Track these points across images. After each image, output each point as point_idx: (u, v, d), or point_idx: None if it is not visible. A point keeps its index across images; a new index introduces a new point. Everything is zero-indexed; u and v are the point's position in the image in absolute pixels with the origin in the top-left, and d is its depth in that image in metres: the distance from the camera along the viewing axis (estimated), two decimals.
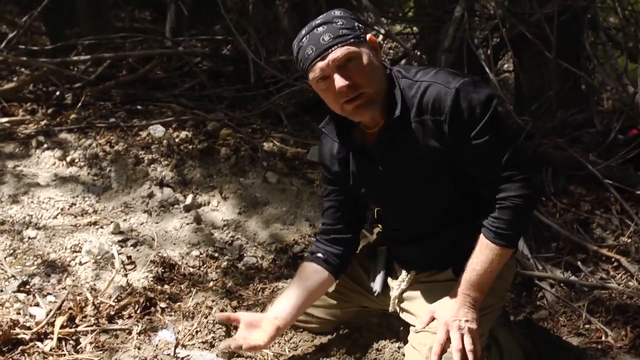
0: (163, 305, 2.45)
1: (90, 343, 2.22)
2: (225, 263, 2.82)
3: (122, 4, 6.37)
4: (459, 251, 1.97)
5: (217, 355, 2.15)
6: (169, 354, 2.15)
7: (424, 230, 2.05)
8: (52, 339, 2.21)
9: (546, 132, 3.83)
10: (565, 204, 3.48)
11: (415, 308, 2.08)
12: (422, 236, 2.05)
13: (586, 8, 4.11)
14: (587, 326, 2.65)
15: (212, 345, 2.22)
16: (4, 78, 4.28)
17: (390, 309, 2.17)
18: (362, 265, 2.26)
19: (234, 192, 3.28)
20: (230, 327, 2.34)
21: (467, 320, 1.89)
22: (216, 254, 2.88)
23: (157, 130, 3.60)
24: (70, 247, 2.75)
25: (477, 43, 4.00)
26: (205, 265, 2.79)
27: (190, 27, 5.62)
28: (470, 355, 1.85)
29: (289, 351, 2.28)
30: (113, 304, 2.42)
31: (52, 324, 2.26)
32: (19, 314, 2.31)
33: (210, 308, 2.39)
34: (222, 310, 2.37)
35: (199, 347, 2.20)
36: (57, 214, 2.97)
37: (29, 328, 2.24)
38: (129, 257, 2.72)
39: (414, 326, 2.04)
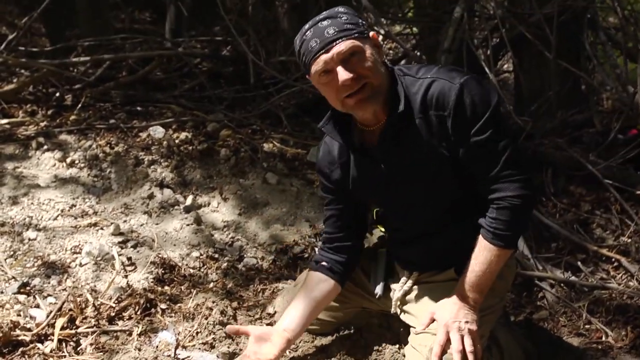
0: (163, 306, 2.45)
1: (91, 344, 2.22)
2: (225, 264, 2.82)
3: (122, 5, 6.37)
4: (462, 250, 1.96)
5: (217, 356, 2.16)
6: (169, 355, 2.15)
7: (426, 229, 2.04)
8: (52, 340, 2.21)
9: (546, 133, 3.83)
10: (565, 204, 3.48)
11: (416, 309, 2.07)
12: (424, 235, 2.05)
13: (586, 8, 4.11)
14: (587, 326, 2.65)
15: (212, 346, 2.22)
16: (4, 79, 4.28)
17: (392, 310, 2.16)
18: (362, 268, 2.26)
19: (234, 193, 3.28)
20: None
21: (467, 322, 1.89)
22: (216, 255, 2.88)
23: (157, 131, 3.60)
24: (71, 249, 2.75)
25: (477, 43, 4.00)
26: (205, 266, 2.79)
27: (190, 28, 5.63)
28: (470, 357, 1.85)
29: (289, 352, 2.28)
30: (113, 305, 2.42)
31: (53, 326, 2.26)
32: (19, 315, 2.31)
33: (211, 309, 2.39)
34: (222, 312, 2.37)
35: (199, 348, 2.20)
36: (57, 216, 2.97)
37: (29, 329, 2.24)
38: (129, 259, 2.72)
39: (414, 327, 2.04)
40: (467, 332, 1.88)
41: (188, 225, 3.00)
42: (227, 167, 3.45)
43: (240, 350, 2.23)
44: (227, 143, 3.61)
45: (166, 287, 2.59)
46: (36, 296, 2.45)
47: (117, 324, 2.35)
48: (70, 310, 2.35)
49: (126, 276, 2.61)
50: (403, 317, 2.14)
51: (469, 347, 1.86)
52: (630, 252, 3.09)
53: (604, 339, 2.55)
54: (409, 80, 1.89)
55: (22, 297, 2.44)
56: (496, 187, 1.85)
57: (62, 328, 2.25)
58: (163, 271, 2.68)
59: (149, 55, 4.47)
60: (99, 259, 2.69)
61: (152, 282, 2.60)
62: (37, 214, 2.95)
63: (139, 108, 4.02)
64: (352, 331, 2.35)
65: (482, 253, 1.90)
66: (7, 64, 4.30)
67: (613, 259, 3.06)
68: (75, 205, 3.05)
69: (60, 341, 2.21)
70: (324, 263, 2.16)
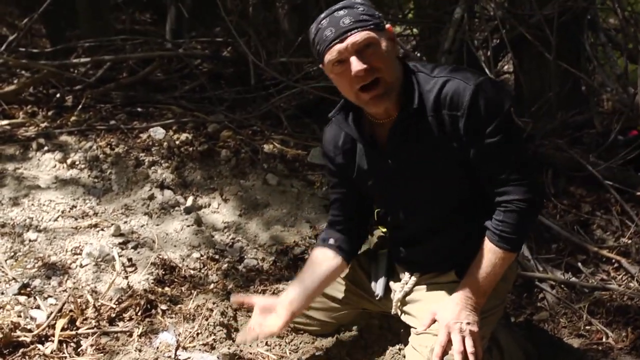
0: (164, 307, 2.45)
1: (91, 345, 2.22)
2: (225, 265, 2.82)
3: (122, 6, 6.38)
4: (465, 252, 1.97)
5: (217, 357, 2.16)
6: (169, 356, 2.15)
7: (429, 228, 2.04)
8: (52, 341, 2.21)
9: (546, 134, 3.83)
10: (566, 205, 3.48)
11: (417, 310, 2.07)
12: (428, 235, 2.04)
13: (586, 9, 4.12)
14: (587, 327, 2.65)
15: (212, 347, 2.22)
16: (4, 81, 4.29)
17: (393, 311, 2.16)
18: (363, 269, 2.26)
19: (234, 194, 3.28)
20: (231, 330, 2.35)
21: (468, 323, 1.89)
22: (217, 256, 2.88)
23: (158, 132, 3.60)
24: (71, 250, 2.75)
25: (477, 44, 4.00)
26: (205, 268, 2.79)
27: (191, 29, 5.63)
28: (471, 358, 1.85)
29: (289, 353, 2.28)
30: (114, 306, 2.42)
31: (53, 327, 2.26)
32: (19, 316, 2.31)
33: (211, 310, 2.39)
34: (222, 313, 2.37)
35: (199, 349, 2.20)
36: (58, 217, 2.97)
37: (29, 330, 2.24)
38: (129, 260, 2.73)
39: (415, 328, 2.03)
40: (468, 333, 1.87)
41: (188, 226, 3.00)
42: (228, 168, 3.46)
43: (241, 351, 2.23)
44: (228, 144, 3.61)
45: (167, 288, 2.59)
46: (37, 297, 2.45)
47: (117, 325, 2.35)
48: (70, 311, 2.35)
49: (127, 277, 2.61)
50: (403, 317, 2.13)
51: (470, 348, 1.86)
52: (630, 253, 3.09)
53: (604, 340, 2.55)
54: (423, 78, 1.88)
55: (22, 298, 2.44)
56: (504, 189, 1.86)
57: (63, 329, 2.25)
58: (163, 272, 2.68)
59: (149, 56, 4.47)
60: (99, 260, 2.69)
61: (152, 283, 2.60)
62: (37, 215, 2.95)
63: (139, 109, 4.02)
64: (352, 332, 2.35)
65: (487, 255, 1.90)
66: (7, 65, 4.30)
67: (613, 260, 3.07)
68: (75, 206, 3.05)
69: (60, 342, 2.21)
70: (330, 241, 2.16)
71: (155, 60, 4.43)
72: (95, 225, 2.93)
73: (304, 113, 4.16)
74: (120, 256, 2.71)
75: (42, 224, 2.91)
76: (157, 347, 2.20)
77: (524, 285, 2.94)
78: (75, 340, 2.24)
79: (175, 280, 2.66)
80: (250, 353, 2.25)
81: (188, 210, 3.12)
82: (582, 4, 3.95)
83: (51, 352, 2.17)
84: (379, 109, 1.88)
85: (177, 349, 2.18)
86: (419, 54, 4.49)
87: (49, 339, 2.23)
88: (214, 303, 2.44)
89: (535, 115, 3.91)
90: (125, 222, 2.98)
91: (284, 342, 2.33)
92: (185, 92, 4.33)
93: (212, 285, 2.66)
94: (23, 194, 3.07)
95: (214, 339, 2.25)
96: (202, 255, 2.84)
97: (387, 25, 1.86)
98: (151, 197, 3.16)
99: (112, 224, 2.92)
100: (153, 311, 2.42)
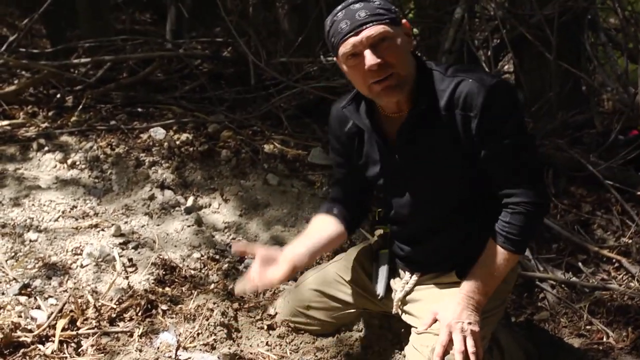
0: (164, 307, 2.44)
1: (92, 346, 2.22)
2: (226, 265, 2.82)
3: (122, 6, 6.38)
4: (465, 252, 1.97)
5: (218, 357, 2.16)
6: (170, 357, 2.15)
7: (430, 227, 2.04)
8: (53, 341, 2.21)
9: (547, 133, 3.83)
10: (566, 205, 3.48)
11: (418, 310, 2.07)
12: (428, 234, 2.05)
13: (586, 9, 4.12)
14: (588, 327, 2.65)
15: (213, 348, 2.22)
16: (4, 81, 4.28)
17: (394, 311, 2.16)
18: (364, 269, 2.25)
19: (234, 194, 3.28)
20: (231, 330, 2.35)
21: (469, 323, 1.89)
22: (217, 256, 2.88)
23: (158, 132, 3.60)
24: (72, 250, 2.75)
25: (478, 44, 4.01)
26: (206, 268, 2.79)
27: (191, 29, 5.63)
28: (472, 358, 1.85)
29: (290, 353, 2.28)
30: (114, 306, 2.42)
31: (54, 327, 2.26)
32: (20, 316, 2.31)
33: (212, 310, 2.39)
34: (223, 313, 2.37)
35: (200, 350, 2.20)
36: (58, 217, 2.97)
37: (30, 331, 2.24)
38: (130, 260, 2.72)
39: (416, 328, 2.03)
40: (469, 333, 1.88)
41: (189, 226, 3.00)
42: (228, 168, 3.46)
43: (242, 351, 2.23)
44: (228, 144, 3.61)
45: (167, 288, 2.59)
46: (37, 297, 2.45)
47: (118, 325, 2.35)
48: (71, 311, 2.35)
49: (127, 277, 2.61)
50: (404, 317, 2.14)
51: (471, 348, 1.86)
52: (631, 252, 3.09)
53: (604, 339, 2.56)
54: (437, 76, 1.88)
55: (23, 299, 2.44)
56: (512, 191, 1.86)
57: (63, 329, 2.25)
58: (164, 272, 2.68)
59: (149, 56, 4.47)
60: (99, 260, 2.69)
61: (153, 283, 2.60)
62: (38, 215, 2.95)
63: (139, 109, 4.02)
64: (352, 332, 2.35)
65: (491, 255, 1.90)
66: (7, 66, 4.30)
67: (614, 260, 3.07)
68: (76, 207, 3.05)
69: (61, 342, 2.21)
70: (334, 210, 2.16)
71: (156, 61, 4.43)
72: (96, 226, 2.93)
73: (304, 113, 4.16)
74: (120, 256, 2.71)
75: (43, 224, 2.91)
76: (158, 347, 2.20)
77: (525, 285, 2.94)
78: (75, 340, 2.24)
79: (176, 280, 2.66)
80: (251, 353, 2.25)
81: (188, 211, 3.12)
82: (582, 3, 3.96)
83: (52, 353, 2.16)
84: (391, 100, 1.87)
85: (177, 349, 2.18)
86: (419, 54, 4.49)
87: (50, 339, 2.23)
88: (214, 303, 2.44)
89: (536, 115, 3.92)
90: (126, 223, 2.98)
91: (285, 342, 2.33)
92: (185, 92, 4.33)
93: (212, 286, 2.66)
94: (23, 195, 3.07)
95: (214, 339, 2.25)
96: (202, 256, 2.84)
97: (404, 21, 1.86)
98: (152, 197, 3.16)
99: (113, 224, 2.92)
100: (153, 311, 2.42)
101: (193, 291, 2.58)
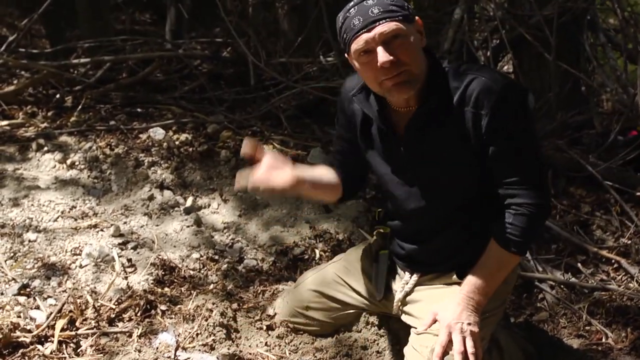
0: (163, 307, 2.44)
1: (91, 346, 2.22)
2: (225, 265, 2.82)
3: (122, 6, 6.38)
4: (466, 253, 1.96)
5: (217, 358, 2.16)
6: (169, 357, 2.15)
7: (433, 225, 2.03)
8: (52, 342, 2.21)
9: (546, 134, 3.83)
10: (566, 205, 3.48)
11: (418, 310, 2.07)
12: (430, 233, 2.04)
13: (586, 9, 4.12)
14: (587, 328, 2.65)
15: (212, 348, 2.22)
16: (4, 81, 4.28)
17: (394, 311, 2.16)
18: (364, 270, 2.25)
19: (234, 194, 3.28)
20: (230, 330, 2.35)
21: (469, 323, 1.88)
22: (216, 257, 2.88)
23: (157, 132, 3.60)
24: (71, 250, 2.75)
25: (477, 45, 4.01)
26: (205, 268, 2.79)
27: (190, 29, 5.64)
28: (471, 358, 1.85)
29: (289, 353, 2.28)
30: (113, 306, 2.42)
31: (53, 327, 2.26)
32: (19, 317, 2.31)
33: (211, 310, 2.39)
34: (222, 313, 2.37)
35: (199, 350, 2.20)
36: (58, 217, 2.97)
37: (29, 331, 2.24)
38: (129, 260, 2.72)
39: (415, 328, 2.03)
40: (469, 334, 1.87)
41: (188, 226, 3.00)
42: (227, 168, 3.46)
43: (240, 352, 2.23)
44: (228, 144, 3.61)
45: (166, 289, 2.59)
46: (36, 298, 2.45)
47: (117, 326, 2.34)
48: (70, 311, 2.35)
49: (126, 278, 2.61)
50: (404, 317, 2.13)
51: (470, 349, 1.86)
52: (630, 253, 3.09)
53: (604, 340, 2.56)
54: (450, 73, 1.88)
55: (22, 299, 2.44)
56: (516, 192, 1.86)
57: (62, 329, 2.25)
58: (163, 273, 2.68)
59: (149, 56, 4.47)
60: (99, 260, 2.69)
61: (152, 283, 2.60)
62: (37, 215, 2.95)
63: (139, 109, 4.02)
64: (352, 332, 2.35)
65: (492, 256, 1.90)
66: (7, 66, 4.30)
67: (613, 261, 3.07)
68: (75, 207, 3.05)
69: (60, 343, 2.21)
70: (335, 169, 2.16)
71: (155, 61, 4.43)
72: (95, 226, 2.93)
73: (303, 113, 4.16)
74: (119, 257, 2.71)
75: (42, 224, 2.91)
76: (157, 348, 2.20)
77: (524, 286, 2.95)
78: (74, 340, 2.24)
79: (175, 280, 2.66)
80: (250, 353, 2.25)
81: (188, 211, 3.12)
82: (581, 4, 3.96)
83: (51, 353, 2.16)
84: (402, 96, 1.86)
85: (176, 349, 2.18)
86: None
87: (49, 340, 2.23)
88: (213, 303, 2.44)
89: (535, 115, 3.91)
90: (125, 223, 2.98)
91: (284, 343, 2.33)
92: (185, 92, 4.33)
93: (211, 286, 2.65)
94: (23, 195, 3.07)
95: (213, 340, 2.25)
96: (201, 256, 2.84)
97: (416, 18, 1.85)
98: (151, 198, 3.16)
99: (112, 225, 2.92)
100: (153, 312, 2.42)
101: (192, 291, 2.57)
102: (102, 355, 2.17)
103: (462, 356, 1.85)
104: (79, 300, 2.40)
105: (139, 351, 2.16)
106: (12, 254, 2.71)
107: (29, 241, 2.79)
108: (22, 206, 3.00)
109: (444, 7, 4.24)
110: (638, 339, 2.51)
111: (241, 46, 4.22)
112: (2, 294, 2.46)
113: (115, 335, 2.28)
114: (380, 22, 1.76)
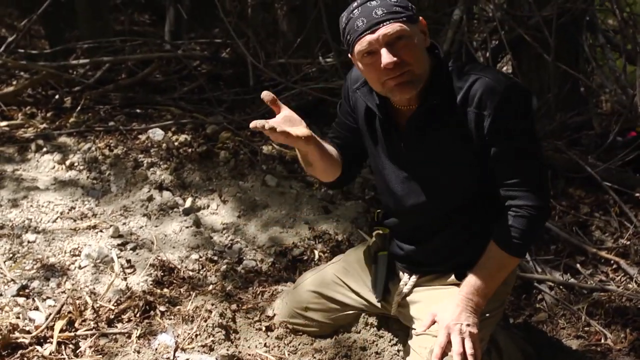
0: (162, 308, 2.44)
1: (90, 347, 2.22)
2: (224, 266, 2.82)
3: (121, 7, 6.38)
4: (465, 254, 1.97)
5: (216, 359, 2.15)
6: (168, 358, 2.15)
7: (432, 225, 2.03)
8: (51, 343, 2.21)
9: (545, 135, 3.83)
10: (565, 206, 3.48)
11: (417, 311, 2.07)
12: (429, 234, 2.04)
13: (585, 10, 4.12)
14: (586, 328, 2.65)
15: (211, 349, 2.22)
16: (3, 82, 4.29)
17: (392, 312, 2.16)
18: (362, 270, 2.25)
19: (233, 195, 3.28)
20: (230, 331, 2.35)
21: (468, 325, 1.89)
22: (215, 258, 2.88)
23: (157, 133, 3.60)
24: (70, 251, 2.75)
25: (476, 46, 4.01)
26: (204, 269, 2.79)
27: (189, 30, 5.64)
28: (470, 359, 1.85)
29: (288, 354, 2.28)
30: (112, 307, 2.41)
31: (52, 328, 2.26)
32: (18, 318, 2.31)
33: (210, 311, 2.39)
34: (221, 314, 2.37)
35: (198, 351, 2.20)
36: (57, 218, 2.97)
37: (28, 332, 2.24)
38: (128, 261, 2.72)
39: (414, 329, 2.03)
40: (468, 335, 1.87)
41: (187, 227, 3.00)
42: (227, 169, 3.46)
43: (240, 352, 2.23)
44: (227, 145, 3.61)
45: (165, 290, 2.59)
46: (35, 299, 2.45)
47: (116, 327, 2.34)
48: (69, 312, 2.35)
49: (125, 278, 2.61)
50: (402, 319, 2.13)
51: (469, 350, 1.86)
52: (629, 254, 3.09)
53: (603, 341, 2.56)
54: (454, 72, 1.88)
55: (21, 300, 2.44)
56: (516, 194, 1.86)
57: (61, 330, 2.25)
58: (162, 273, 2.68)
59: (148, 57, 4.47)
60: (98, 261, 2.69)
61: (151, 284, 2.60)
62: (36, 216, 2.95)
63: (138, 110, 4.02)
64: (351, 333, 2.35)
65: (491, 258, 1.90)
66: (6, 66, 4.30)
67: (612, 261, 3.07)
68: (74, 208, 3.05)
69: (59, 344, 2.21)
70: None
71: (154, 62, 4.44)
72: (94, 227, 2.93)
73: (303, 114, 4.15)
74: (119, 257, 2.71)
75: (41, 225, 2.91)
76: (156, 349, 2.20)
77: (523, 287, 2.94)
78: (73, 341, 2.24)
79: (174, 281, 2.66)
80: (249, 354, 2.25)
81: (187, 212, 3.12)
82: (580, 5, 3.96)
83: (50, 354, 2.16)
84: (404, 96, 1.87)
85: (175, 350, 2.18)
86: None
87: (48, 341, 2.23)
88: (212, 304, 2.44)
89: (535, 116, 3.92)
90: (124, 224, 2.98)
91: (283, 344, 2.33)
92: (184, 93, 4.33)
93: (210, 287, 2.65)
94: (22, 195, 3.07)
95: (212, 340, 2.25)
96: (200, 257, 2.84)
97: (420, 18, 1.85)
98: (150, 199, 3.16)
99: (111, 226, 2.92)
100: (152, 312, 2.42)
101: (191, 292, 2.57)
102: (101, 356, 2.17)
103: (461, 357, 1.85)
104: (78, 301, 2.40)
105: (138, 352, 2.16)
106: (11, 255, 2.70)
107: (28, 242, 2.79)
108: (21, 207, 3.00)
109: (443, 8, 4.24)
110: (637, 340, 2.51)
111: (240, 47, 4.22)
112: (1, 295, 2.46)
113: (114, 336, 2.28)
114: (384, 23, 1.77)
